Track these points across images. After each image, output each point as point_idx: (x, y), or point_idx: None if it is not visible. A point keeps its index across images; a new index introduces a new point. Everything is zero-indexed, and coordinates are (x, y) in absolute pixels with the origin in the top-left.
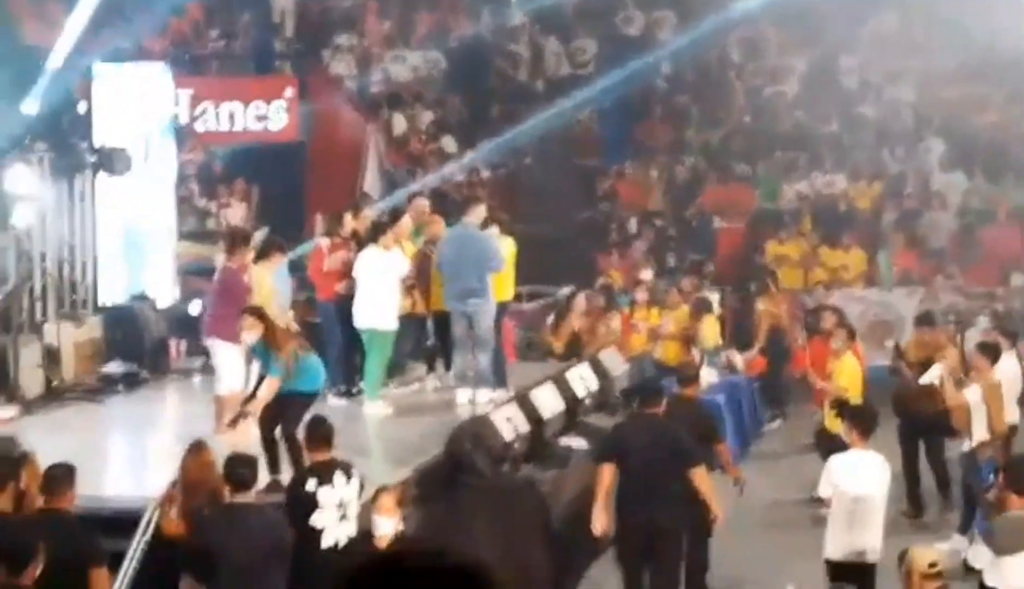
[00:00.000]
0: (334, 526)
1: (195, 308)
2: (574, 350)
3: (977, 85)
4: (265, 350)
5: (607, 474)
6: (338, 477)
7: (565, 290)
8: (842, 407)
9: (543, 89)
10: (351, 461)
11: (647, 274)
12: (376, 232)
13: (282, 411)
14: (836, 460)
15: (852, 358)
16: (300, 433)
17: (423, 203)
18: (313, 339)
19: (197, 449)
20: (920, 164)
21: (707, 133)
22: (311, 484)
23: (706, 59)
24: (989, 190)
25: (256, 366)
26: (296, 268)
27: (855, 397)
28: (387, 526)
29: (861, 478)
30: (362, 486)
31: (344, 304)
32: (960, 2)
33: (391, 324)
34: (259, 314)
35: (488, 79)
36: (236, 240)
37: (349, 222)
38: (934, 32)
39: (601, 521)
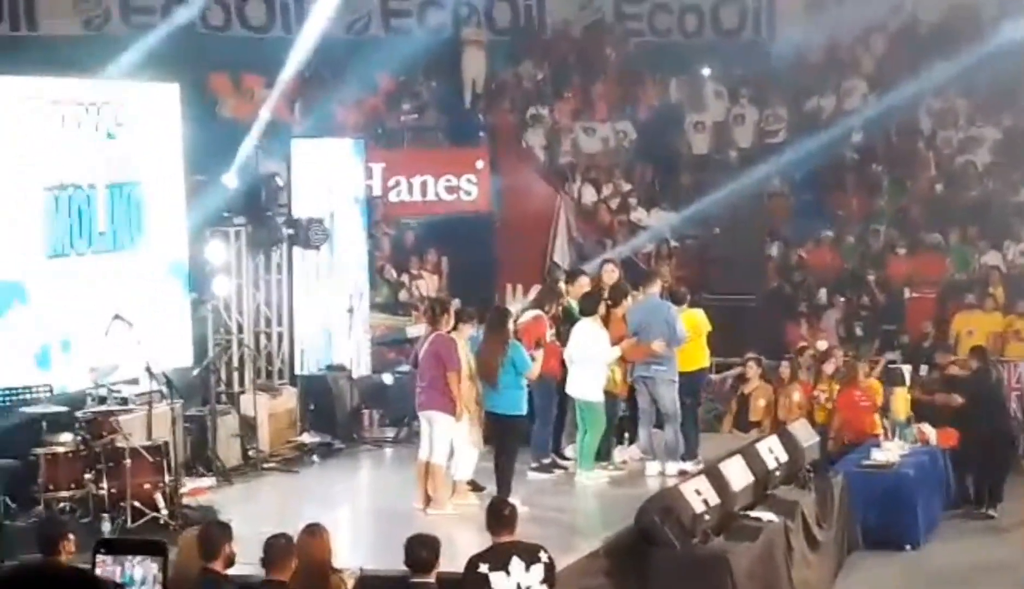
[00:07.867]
0: None
1: (388, 379)
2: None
3: None
4: None
5: None
6: (515, 563)
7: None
8: None
9: (735, 158)
10: (537, 541)
11: (834, 345)
12: (590, 303)
13: None
14: None
15: None
16: None
17: (612, 268)
18: None
19: (315, 531)
20: None
21: (899, 202)
22: (484, 567)
23: (896, 128)
24: None
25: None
26: None
27: None
28: None
29: None
30: (550, 569)
31: (561, 378)
32: None
33: (600, 396)
34: None
35: (678, 149)
36: (437, 310)
37: (562, 291)
38: None
39: None
